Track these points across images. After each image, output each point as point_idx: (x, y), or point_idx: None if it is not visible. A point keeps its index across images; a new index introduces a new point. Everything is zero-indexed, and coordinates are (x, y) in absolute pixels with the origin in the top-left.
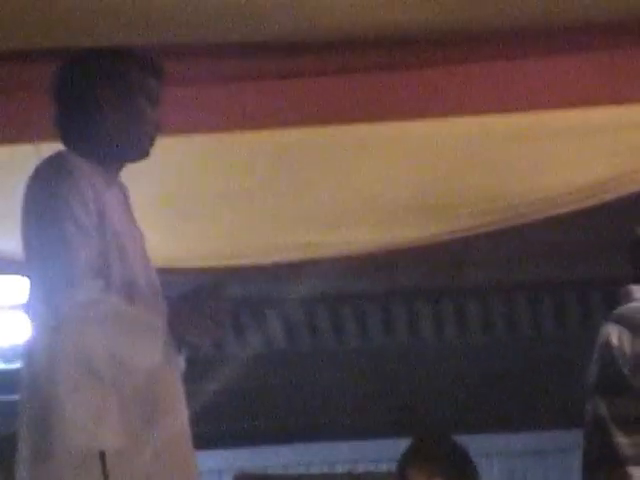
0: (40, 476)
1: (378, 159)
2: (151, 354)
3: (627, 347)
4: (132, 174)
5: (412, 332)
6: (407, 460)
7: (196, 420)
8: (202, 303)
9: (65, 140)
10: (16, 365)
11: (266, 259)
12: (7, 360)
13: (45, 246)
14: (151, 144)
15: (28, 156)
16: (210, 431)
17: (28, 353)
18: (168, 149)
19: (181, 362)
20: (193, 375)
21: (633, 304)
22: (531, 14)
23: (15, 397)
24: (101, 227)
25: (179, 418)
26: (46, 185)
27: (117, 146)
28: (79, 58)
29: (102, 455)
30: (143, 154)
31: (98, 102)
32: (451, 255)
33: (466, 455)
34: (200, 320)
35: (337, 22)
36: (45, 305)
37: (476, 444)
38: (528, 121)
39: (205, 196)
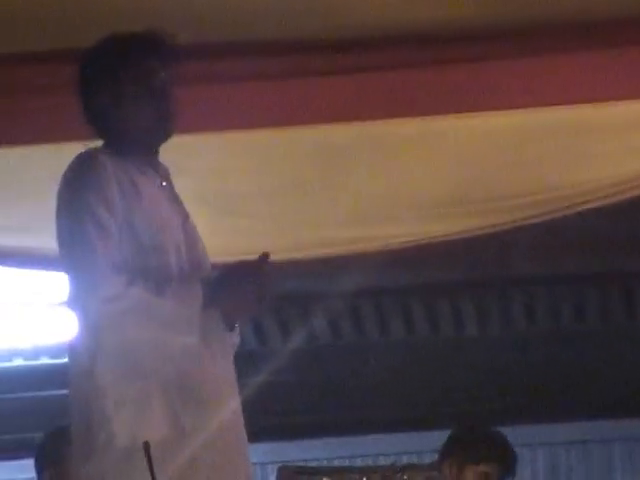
0: (88, 472)
1: (419, 154)
2: (186, 341)
3: None
4: (172, 171)
5: (455, 325)
6: (443, 452)
7: (243, 414)
8: (243, 278)
9: (98, 133)
10: (62, 361)
11: (306, 254)
12: (54, 356)
13: (70, 246)
14: (172, 123)
15: (73, 155)
16: (254, 424)
17: (71, 349)
18: (207, 146)
19: (234, 338)
20: (237, 369)
21: None
22: (574, 7)
23: (61, 392)
24: (131, 221)
25: (228, 402)
26: (70, 187)
27: (139, 131)
28: (88, 51)
29: (146, 446)
30: (167, 134)
31: (109, 90)
32: (495, 248)
33: (504, 443)
34: (241, 295)
35: (376, 18)
36: (76, 302)
37: (520, 435)
38: (572, 114)
39: (245, 192)
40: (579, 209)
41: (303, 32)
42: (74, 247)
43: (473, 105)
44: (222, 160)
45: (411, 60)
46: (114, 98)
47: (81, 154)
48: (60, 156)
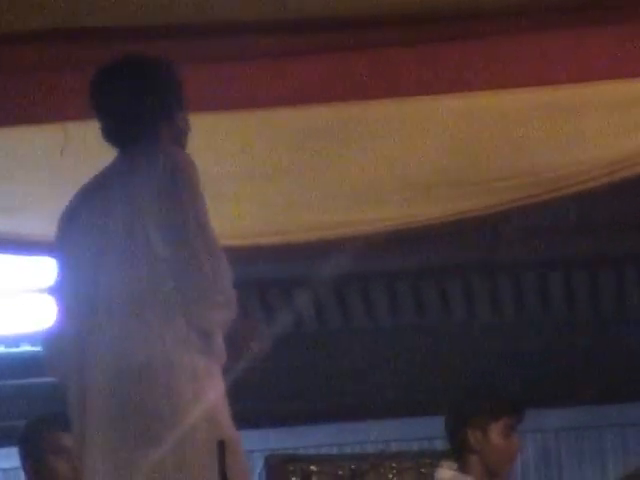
0: (156, 458)
1: (408, 135)
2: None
3: None
4: None
5: (443, 310)
6: (458, 426)
7: (228, 401)
8: (237, 345)
9: (125, 147)
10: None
11: (292, 238)
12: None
13: (192, 246)
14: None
15: (55, 138)
16: (241, 412)
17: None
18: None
19: None
20: None
21: None
22: None
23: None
24: None
25: None
26: (188, 185)
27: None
28: (124, 70)
29: (221, 444)
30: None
31: (166, 106)
32: (483, 231)
33: (505, 392)
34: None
35: None
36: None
37: None
38: (559, 95)
39: (228, 175)
40: (573, 190)
41: (300, 11)
42: (198, 247)
43: (464, 85)
44: (205, 142)
45: (400, 38)
46: (178, 104)
47: (188, 154)
48: (45, 137)
